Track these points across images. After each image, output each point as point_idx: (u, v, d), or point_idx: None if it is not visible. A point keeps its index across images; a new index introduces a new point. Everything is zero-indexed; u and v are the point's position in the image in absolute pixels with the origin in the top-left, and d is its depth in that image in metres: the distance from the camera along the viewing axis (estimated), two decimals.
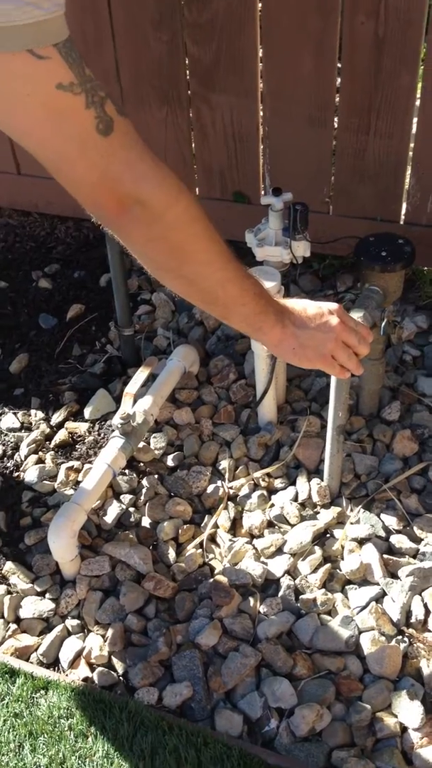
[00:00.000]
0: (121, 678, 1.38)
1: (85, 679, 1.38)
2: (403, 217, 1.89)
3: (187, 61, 1.87)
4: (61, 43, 0.83)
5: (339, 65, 1.76)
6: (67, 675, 1.39)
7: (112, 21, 1.87)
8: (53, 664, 1.43)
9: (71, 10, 1.96)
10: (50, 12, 0.80)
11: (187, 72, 1.89)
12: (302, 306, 1.14)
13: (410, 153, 1.81)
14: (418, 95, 1.73)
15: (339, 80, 1.78)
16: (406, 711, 1.25)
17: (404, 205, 1.88)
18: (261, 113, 1.88)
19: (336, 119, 1.83)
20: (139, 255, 1.03)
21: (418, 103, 1.75)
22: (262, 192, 2.00)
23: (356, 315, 1.42)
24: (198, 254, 1.01)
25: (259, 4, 1.73)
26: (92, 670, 1.39)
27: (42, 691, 1.37)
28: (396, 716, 1.26)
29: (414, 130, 1.79)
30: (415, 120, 1.77)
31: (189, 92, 1.92)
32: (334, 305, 1.16)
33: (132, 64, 1.92)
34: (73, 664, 1.40)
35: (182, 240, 0.99)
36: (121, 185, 0.91)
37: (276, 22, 1.73)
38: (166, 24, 1.82)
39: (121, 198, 0.92)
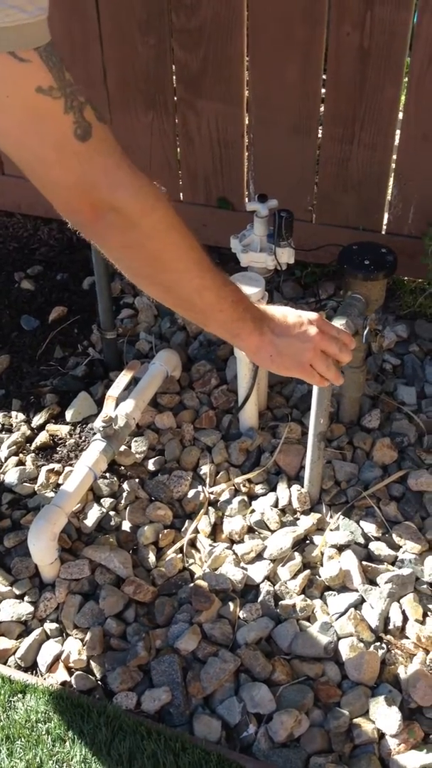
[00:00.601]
0: (99, 682, 1.37)
1: (63, 683, 1.37)
2: (385, 227, 1.92)
3: (174, 67, 1.88)
4: (43, 47, 0.83)
5: (324, 76, 1.77)
6: (45, 679, 1.38)
7: (99, 24, 1.87)
8: (31, 667, 1.42)
9: (58, 13, 1.95)
10: (33, 16, 0.81)
11: (174, 78, 1.90)
12: (282, 313, 1.14)
13: (393, 164, 1.83)
14: (402, 108, 1.76)
15: (324, 90, 1.79)
16: (384, 717, 1.27)
17: (386, 215, 1.91)
18: (246, 120, 1.89)
19: (320, 129, 1.85)
20: (115, 260, 1.03)
21: (401, 115, 1.77)
22: (247, 199, 2.01)
23: (339, 322, 1.43)
24: (174, 262, 1.02)
25: (247, 13, 1.74)
26: (70, 674, 1.38)
27: (19, 695, 1.36)
28: (374, 722, 1.28)
29: (397, 141, 1.81)
30: (398, 131, 1.79)
31: (175, 98, 1.92)
32: (314, 315, 1.16)
33: (119, 68, 1.93)
34: (51, 668, 1.40)
35: (158, 248, 0.99)
36: (96, 191, 0.91)
37: (263, 31, 1.75)
38: (153, 28, 1.83)
39: (96, 204, 0.92)
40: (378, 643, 1.36)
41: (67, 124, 0.86)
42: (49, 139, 0.86)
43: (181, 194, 2.08)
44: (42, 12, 0.82)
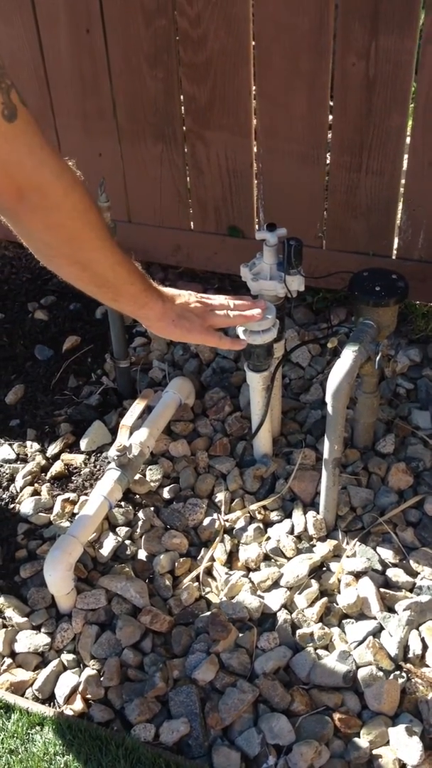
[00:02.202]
0: (117, 714, 1.37)
1: (81, 715, 1.37)
2: (395, 252, 1.92)
3: (182, 99, 1.91)
4: None
5: (331, 104, 1.80)
6: (62, 711, 1.38)
7: (108, 59, 1.91)
8: (49, 699, 1.41)
9: (68, 48, 2.00)
10: None
11: (183, 109, 1.93)
12: (166, 289, 1.27)
13: (401, 189, 1.84)
14: (409, 133, 1.77)
15: (331, 119, 1.82)
16: (405, 747, 1.25)
17: (396, 241, 1.91)
18: (255, 150, 1.92)
19: (328, 157, 1.87)
20: (34, 242, 1.07)
21: (408, 141, 1.79)
22: (256, 226, 2.03)
23: (351, 349, 1.44)
24: (93, 241, 1.09)
25: (253, 45, 1.77)
26: (88, 705, 1.38)
27: (37, 727, 1.36)
28: (395, 753, 1.26)
29: (405, 167, 1.82)
30: (405, 157, 1.81)
31: (184, 129, 1.95)
32: (191, 292, 1.31)
33: (128, 101, 1.96)
34: (69, 699, 1.39)
35: (78, 227, 1.06)
36: (21, 171, 0.95)
37: (269, 63, 1.77)
38: (161, 63, 1.86)
39: (21, 184, 0.96)
40: (398, 672, 1.35)
41: None
42: None
43: (191, 223, 2.10)
44: None
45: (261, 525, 1.60)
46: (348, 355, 1.43)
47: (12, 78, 0.93)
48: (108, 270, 1.13)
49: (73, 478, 1.76)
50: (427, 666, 1.36)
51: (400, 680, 1.34)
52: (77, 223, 1.05)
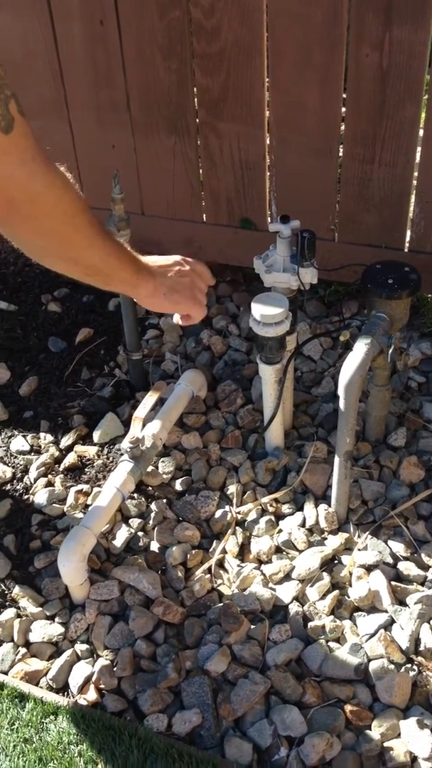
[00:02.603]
0: (130, 704, 1.38)
1: (95, 705, 1.38)
2: (407, 244, 1.92)
3: (195, 91, 1.91)
4: None
5: (344, 95, 1.79)
6: (76, 700, 1.40)
7: (122, 50, 1.91)
8: (63, 689, 1.43)
9: (82, 38, 1.99)
10: None
11: (196, 101, 1.92)
12: (154, 260, 1.29)
13: (414, 182, 1.83)
14: (422, 125, 1.76)
15: (344, 110, 1.81)
16: (416, 740, 1.26)
17: (408, 233, 1.91)
18: (268, 142, 1.91)
19: (341, 148, 1.86)
20: (24, 244, 1.09)
21: (421, 133, 1.78)
22: (269, 219, 2.02)
23: (364, 342, 1.44)
24: (84, 240, 1.11)
25: (267, 37, 1.76)
26: (101, 695, 1.39)
27: (52, 717, 1.37)
28: (406, 745, 1.27)
29: (418, 159, 1.81)
30: (419, 150, 1.80)
31: (197, 121, 1.95)
32: (176, 256, 1.33)
33: (142, 93, 1.96)
34: (83, 689, 1.41)
35: (70, 231, 1.08)
36: (13, 183, 0.96)
37: (283, 54, 1.76)
38: (175, 54, 1.86)
39: (12, 196, 0.97)
40: (409, 665, 1.36)
41: None
42: None
43: (204, 215, 2.10)
44: None
45: (273, 517, 1.61)
46: (360, 348, 1.43)
47: (13, 87, 0.93)
48: (99, 262, 1.16)
49: (86, 469, 1.77)
50: None
51: (412, 673, 1.34)
52: (68, 227, 1.07)
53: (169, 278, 1.30)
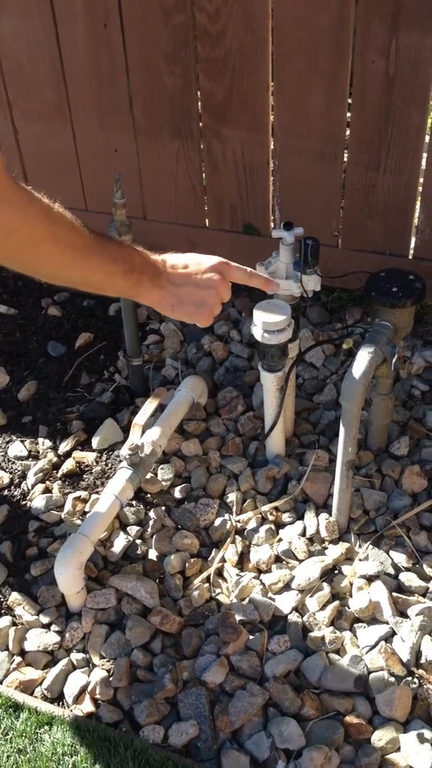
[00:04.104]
0: (126, 715, 1.36)
1: (90, 715, 1.36)
2: (412, 251, 1.90)
3: (199, 95, 1.90)
4: None
5: (349, 101, 1.78)
6: (71, 710, 1.37)
7: (126, 54, 1.90)
8: (58, 698, 1.41)
9: (85, 42, 1.98)
10: None
11: (199, 105, 1.91)
12: (183, 263, 1.19)
13: (419, 189, 1.82)
14: (428, 132, 1.75)
15: (349, 116, 1.80)
16: (417, 754, 1.24)
17: (413, 240, 1.89)
18: (272, 147, 1.90)
19: (346, 155, 1.85)
20: (14, 266, 1.07)
21: (427, 139, 1.77)
22: (272, 225, 2.01)
23: (367, 350, 1.43)
24: (68, 268, 1.08)
25: (272, 42, 1.75)
26: (97, 706, 1.37)
27: (46, 727, 1.35)
28: (406, 760, 1.25)
29: (423, 166, 1.80)
30: (424, 156, 1.78)
31: (201, 125, 1.94)
32: (216, 259, 1.20)
33: (145, 97, 1.95)
34: (78, 699, 1.39)
35: (57, 263, 1.05)
36: None
37: (288, 59, 1.75)
38: (179, 58, 1.85)
39: None
40: (410, 678, 1.34)
41: None
42: None
43: (206, 220, 2.09)
44: None
45: (273, 526, 1.59)
46: (364, 357, 1.42)
47: None
48: (81, 280, 1.12)
49: (84, 476, 1.76)
50: None
51: (412, 686, 1.32)
52: (52, 264, 1.06)
53: (182, 289, 1.19)
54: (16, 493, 1.74)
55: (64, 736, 1.33)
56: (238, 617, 1.43)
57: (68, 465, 1.76)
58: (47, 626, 1.49)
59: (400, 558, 1.50)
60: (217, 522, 1.61)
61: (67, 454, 1.80)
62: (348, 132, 1.82)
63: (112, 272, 1.14)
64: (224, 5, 1.73)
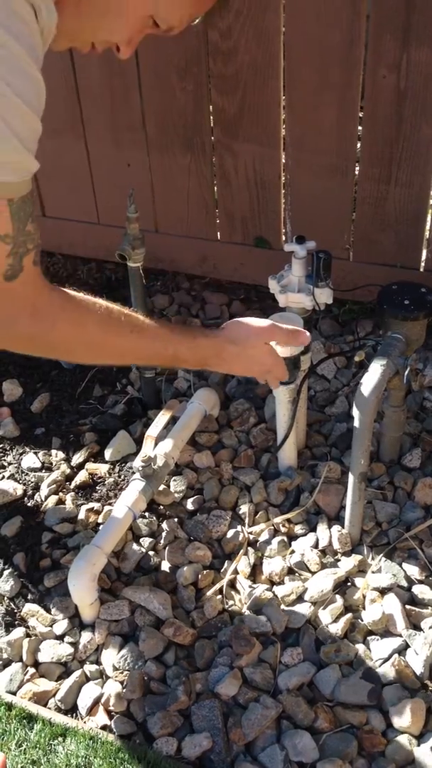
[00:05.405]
0: (139, 727, 1.36)
1: (104, 727, 1.36)
2: (423, 264, 1.91)
3: (211, 110, 1.92)
4: (18, 199, 0.96)
5: (360, 115, 1.79)
6: (85, 722, 1.38)
7: (138, 70, 1.92)
8: (71, 710, 1.41)
9: (97, 61, 1.99)
10: (22, 176, 0.95)
11: (211, 120, 1.93)
12: (236, 335, 1.27)
13: (431, 201, 1.83)
14: None
15: (360, 130, 1.81)
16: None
17: (425, 253, 1.90)
18: (283, 161, 1.91)
19: (357, 168, 1.86)
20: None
21: None
22: (283, 238, 2.02)
23: (380, 363, 1.43)
24: (117, 355, 1.23)
25: (283, 57, 1.77)
26: (110, 717, 1.37)
27: (60, 738, 1.35)
28: None
29: None
30: None
31: (213, 140, 1.96)
32: (263, 328, 1.28)
33: (158, 113, 1.97)
34: (92, 710, 1.39)
35: (99, 348, 1.17)
36: (15, 322, 1.04)
37: (299, 75, 1.77)
38: (191, 74, 1.87)
39: (23, 327, 1.05)
40: (423, 691, 1.33)
41: (1, 265, 0.98)
42: None
43: (218, 234, 2.10)
44: (29, 173, 0.97)
45: (285, 538, 1.59)
46: (376, 369, 1.42)
47: (38, 240, 1.02)
48: (144, 360, 1.29)
49: (97, 487, 1.76)
50: None
51: (426, 699, 1.32)
52: (77, 348, 1.16)
53: (241, 353, 1.27)
54: (29, 504, 1.75)
55: (77, 748, 1.33)
56: (250, 629, 1.43)
57: (81, 476, 1.77)
58: (61, 637, 1.50)
59: (413, 570, 1.50)
60: (230, 534, 1.61)
61: (80, 466, 1.81)
62: (359, 146, 1.83)
63: (171, 355, 1.22)
64: (236, 22, 1.75)
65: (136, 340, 1.18)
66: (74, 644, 1.48)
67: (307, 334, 1.34)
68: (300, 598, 1.48)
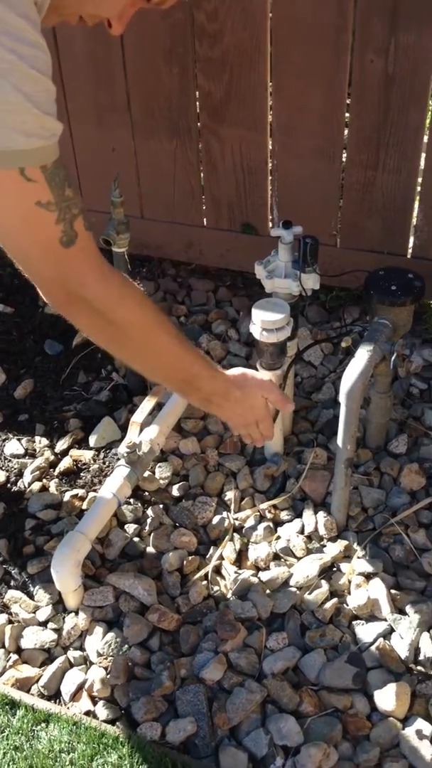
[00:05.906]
0: (123, 712, 1.35)
1: (87, 713, 1.35)
2: (410, 251, 1.91)
3: (197, 94, 1.90)
4: (50, 166, 0.95)
5: (348, 101, 1.78)
6: (68, 708, 1.37)
7: (123, 51, 1.90)
8: (54, 696, 1.40)
9: (82, 34, 1.97)
10: (46, 139, 0.94)
11: (198, 105, 1.91)
12: (242, 382, 1.32)
13: (418, 188, 1.83)
14: (427, 131, 1.76)
15: (348, 116, 1.80)
16: (415, 751, 1.23)
17: (412, 239, 1.90)
18: (270, 146, 1.90)
19: (344, 154, 1.85)
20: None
21: (426, 138, 1.77)
22: (270, 224, 2.01)
23: (366, 348, 1.43)
24: (154, 354, 1.20)
25: (270, 41, 1.75)
26: (94, 703, 1.36)
27: (43, 724, 1.34)
28: (405, 756, 1.24)
29: (422, 165, 1.80)
30: (423, 155, 1.79)
31: (199, 125, 1.94)
32: (265, 382, 1.35)
33: (143, 95, 1.95)
34: (75, 696, 1.38)
35: (148, 339, 1.16)
36: (69, 286, 1.05)
37: (286, 58, 1.76)
38: (177, 57, 1.85)
39: (70, 294, 1.06)
40: (408, 675, 1.33)
41: (55, 233, 0.99)
42: (38, 242, 1.00)
43: (204, 219, 2.09)
44: (55, 136, 0.95)
45: (271, 524, 1.58)
46: (362, 355, 1.42)
47: (81, 204, 1.01)
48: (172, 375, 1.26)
49: (81, 474, 1.75)
50: None
51: (411, 683, 1.32)
52: (141, 333, 1.16)
53: (243, 402, 1.32)
54: (12, 491, 1.73)
55: (60, 734, 1.32)
56: (236, 614, 1.42)
57: (65, 463, 1.76)
58: (44, 624, 1.49)
59: (399, 555, 1.50)
60: (215, 520, 1.60)
61: (64, 452, 1.80)
62: (347, 131, 1.82)
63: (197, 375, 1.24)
64: (222, 4, 1.73)
65: (177, 344, 1.19)
66: (58, 630, 1.47)
67: (293, 405, 1.44)
68: (285, 584, 1.48)
